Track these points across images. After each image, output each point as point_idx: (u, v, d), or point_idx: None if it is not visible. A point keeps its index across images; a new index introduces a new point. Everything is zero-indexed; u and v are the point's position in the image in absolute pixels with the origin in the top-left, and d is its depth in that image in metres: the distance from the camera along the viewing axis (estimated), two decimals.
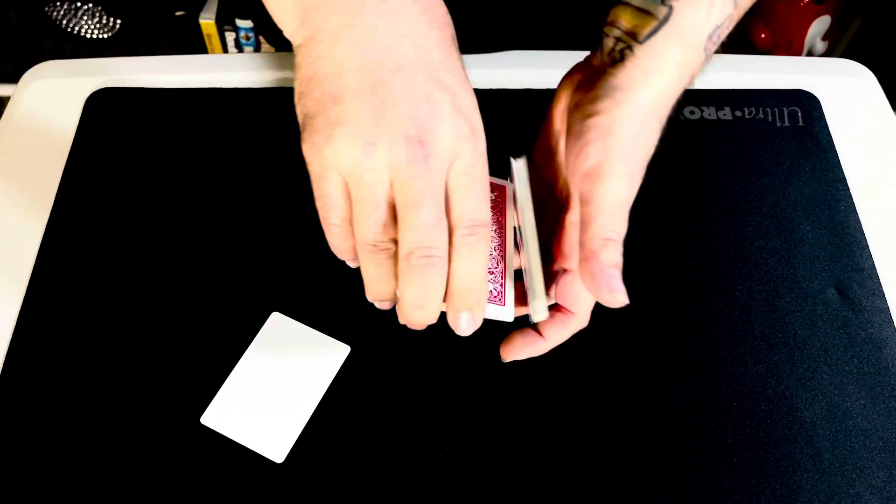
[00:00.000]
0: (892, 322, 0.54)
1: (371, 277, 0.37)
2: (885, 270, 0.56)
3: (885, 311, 0.54)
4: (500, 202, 0.42)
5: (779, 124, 0.64)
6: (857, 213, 0.59)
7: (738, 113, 0.64)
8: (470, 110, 0.34)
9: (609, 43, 0.39)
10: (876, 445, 0.49)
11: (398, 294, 0.36)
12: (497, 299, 0.39)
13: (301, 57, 0.35)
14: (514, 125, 0.63)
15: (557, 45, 0.68)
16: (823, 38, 1.40)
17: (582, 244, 0.36)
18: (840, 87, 0.67)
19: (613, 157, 0.36)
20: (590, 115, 0.37)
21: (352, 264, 0.39)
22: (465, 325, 0.36)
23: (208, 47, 1.47)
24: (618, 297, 0.35)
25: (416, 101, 0.32)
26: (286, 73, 0.66)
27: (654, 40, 0.37)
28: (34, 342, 0.52)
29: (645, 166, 0.38)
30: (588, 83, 0.39)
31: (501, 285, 0.40)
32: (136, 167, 0.60)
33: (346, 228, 0.36)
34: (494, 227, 0.41)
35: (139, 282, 0.54)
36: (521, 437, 0.49)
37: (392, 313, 0.53)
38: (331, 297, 0.54)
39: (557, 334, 0.41)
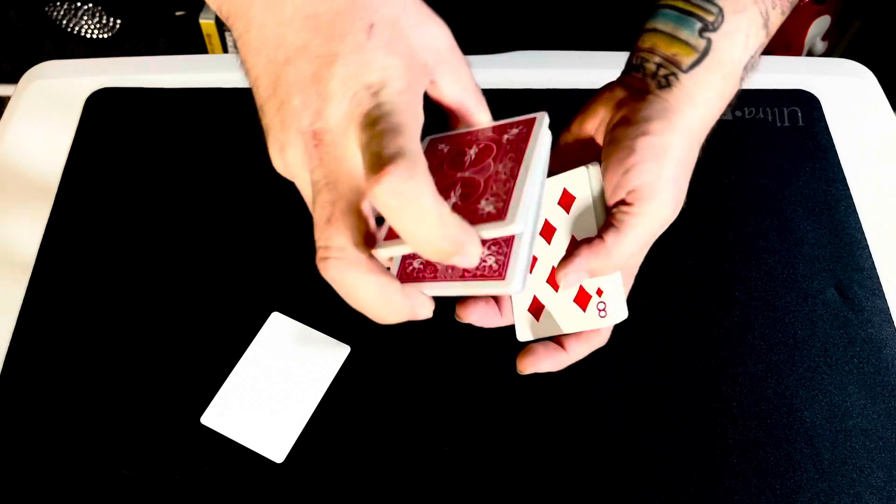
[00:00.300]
0: (892, 322, 0.54)
1: None
2: (885, 270, 0.56)
3: (885, 311, 0.54)
4: (524, 133, 0.35)
5: (779, 124, 0.64)
6: (857, 213, 0.59)
7: (738, 113, 0.64)
8: (367, 69, 0.30)
9: (651, 67, 0.40)
10: (876, 445, 0.49)
11: None
12: (497, 273, 0.33)
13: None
14: None
15: (561, 45, 0.68)
16: (823, 38, 1.40)
17: (597, 247, 0.37)
18: (840, 87, 0.67)
19: (664, 180, 0.37)
20: (644, 134, 0.38)
21: None
22: (462, 264, 0.30)
23: (208, 47, 1.47)
24: (567, 287, 0.37)
25: (304, 88, 0.30)
26: None
27: (698, 71, 0.39)
28: (34, 342, 0.52)
29: (686, 187, 0.39)
30: (632, 101, 0.40)
31: (506, 255, 0.34)
32: (136, 167, 0.60)
33: None
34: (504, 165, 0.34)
35: (139, 282, 0.54)
36: (520, 437, 0.49)
37: None
38: (331, 297, 0.54)
39: (580, 349, 0.41)
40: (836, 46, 1.46)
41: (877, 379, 0.52)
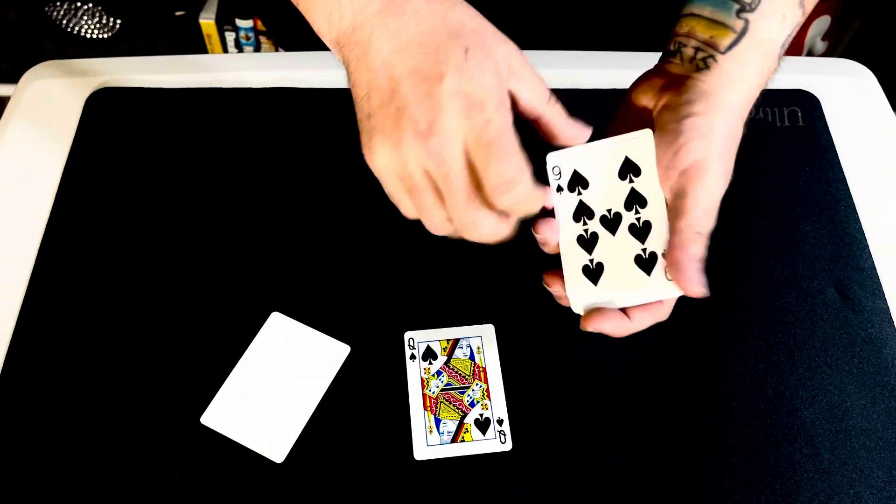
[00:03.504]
0: (892, 322, 0.54)
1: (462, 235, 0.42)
2: (885, 270, 0.56)
3: (885, 311, 0.54)
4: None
5: (779, 124, 0.64)
6: (857, 213, 0.59)
7: None
8: (468, 86, 0.37)
9: (689, 52, 0.43)
10: (876, 445, 0.49)
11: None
12: None
13: (352, 89, 0.41)
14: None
15: (562, 45, 0.68)
16: (823, 38, 1.40)
17: (674, 232, 0.40)
18: (840, 87, 0.67)
19: (713, 157, 0.40)
20: (688, 116, 0.40)
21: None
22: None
23: (208, 47, 1.47)
24: (699, 289, 0.39)
25: (419, 100, 0.38)
26: (286, 73, 0.66)
27: (736, 51, 0.41)
28: (34, 342, 0.52)
29: (733, 164, 0.42)
30: (673, 87, 0.42)
31: None
32: (136, 167, 0.60)
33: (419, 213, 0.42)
34: None
35: (139, 282, 0.54)
36: (519, 437, 0.49)
37: (391, 315, 0.53)
38: (331, 297, 0.54)
39: (643, 320, 0.43)
40: (836, 46, 1.46)
41: (877, 379, 0.52)
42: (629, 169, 0.42)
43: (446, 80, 0.37)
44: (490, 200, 0.38)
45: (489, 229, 0.39)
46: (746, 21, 0.42)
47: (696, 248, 0.40)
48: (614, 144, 0.42)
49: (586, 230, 0.43)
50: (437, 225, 0.41)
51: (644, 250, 0.41)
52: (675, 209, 0.40)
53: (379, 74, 0.39)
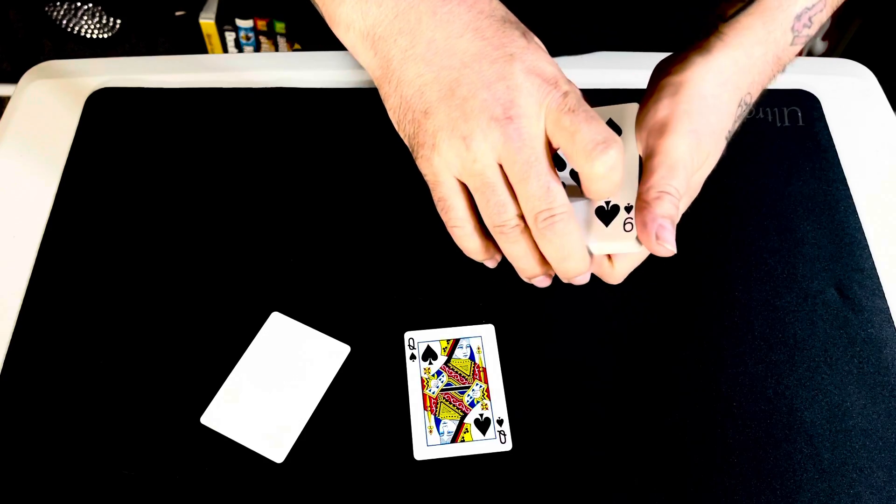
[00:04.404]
0: (892, 322, 0.54)
1: (513, 256, 0.40)
2: (885, 270, 0.56)
3: (885, 311, 0.54)
4: None
5: (779, 124, 0.64)
6: (857, 213, 0.59)
7: None
8: (540, 65, 0.37)
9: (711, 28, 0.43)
10: (876, 445, 0.49)
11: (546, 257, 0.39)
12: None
13: (385, 88, 0.39)
14: None
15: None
16: (823, 38, 1.40)
17: (639, 195, 0.39)
18: (840, 87, 0.67)
19: (679, 114, 0.39)
20: (664, 76, 0.41)
21: (489, 264, 0.43)
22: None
23: (208, 47, 1.47)
24: (665, 247, 0.38)
25: (490, 84, 0.36)
26: (286, 73, 0.66)
27: (738, 18, 0.41)
28: (34, 342, 0.52)
29: (720, 132, 0.41)
30: (678, 59, 0.42)
31: None
32: (137, 167, 0.60)
33: (468, 228, 0.40)
34: None
35: (139, 282, 0.54)
36: (519, 437, 0.49)
37: (391, 315, 0.53)
38: (331, 297, 0.54)
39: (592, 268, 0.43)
40: (836, 46, 1.46)
41: (877, 379, 0.52)
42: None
43: (517, 60, 0.36)
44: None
45: (572, 219, 0.37)
46: None
47: (662, 208, 0.38)
48: (600, 111, 0.42)
49: None
50: (506, 222, 0.38)
51: (607, 203, 0.41)
52: (644, 171, 0.40)
53: (435, 65, 0.37)
